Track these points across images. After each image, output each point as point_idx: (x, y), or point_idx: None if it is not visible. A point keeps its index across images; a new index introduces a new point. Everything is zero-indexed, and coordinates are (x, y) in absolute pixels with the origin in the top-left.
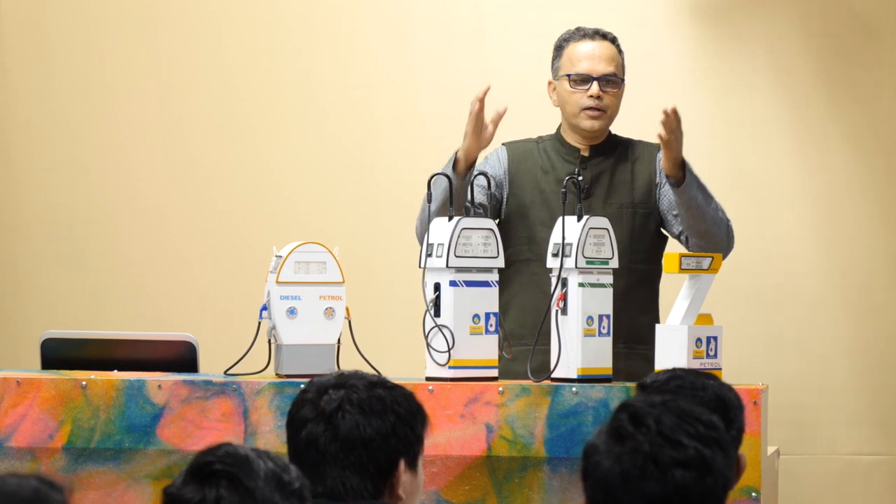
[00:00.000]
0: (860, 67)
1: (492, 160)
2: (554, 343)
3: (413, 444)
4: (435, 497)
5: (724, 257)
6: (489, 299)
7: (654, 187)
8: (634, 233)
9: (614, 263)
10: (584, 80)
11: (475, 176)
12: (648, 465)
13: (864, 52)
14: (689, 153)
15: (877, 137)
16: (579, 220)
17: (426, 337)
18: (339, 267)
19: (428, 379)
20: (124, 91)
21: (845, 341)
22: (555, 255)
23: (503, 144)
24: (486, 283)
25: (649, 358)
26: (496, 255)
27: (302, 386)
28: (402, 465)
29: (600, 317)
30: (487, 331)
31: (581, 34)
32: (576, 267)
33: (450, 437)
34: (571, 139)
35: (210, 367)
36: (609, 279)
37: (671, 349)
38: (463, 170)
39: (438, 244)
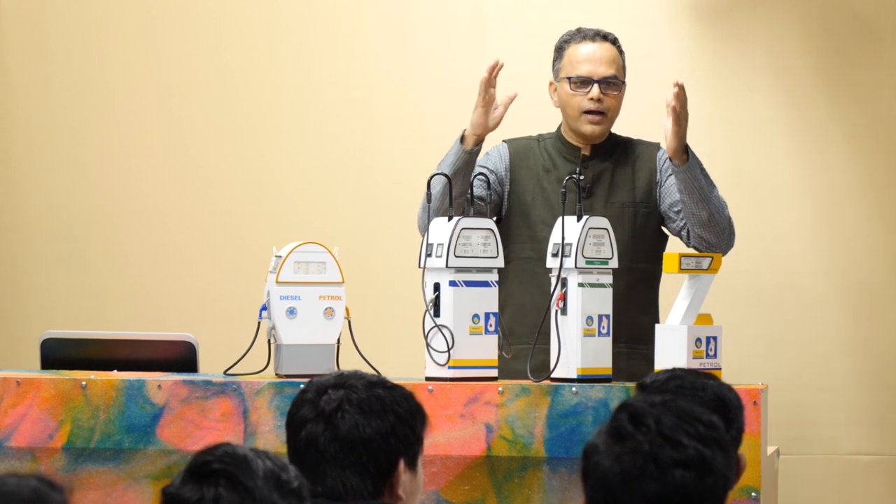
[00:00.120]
0: (860, 67)
1: (493, 156)
2: (553, 343)
3: (413, 443)
4: (435, 497)
5: (723, 255)
6: (489, 299)
7: (655, 186)
8: (636, 232)
9: (614, 263)
10: (585, 82)
11: (475, 176)
12: (648, 464)
13: (864, 52)
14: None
15: (877, 137)
16: (579, 219)
17: (426, 337)
18: (338, 267)
19: (428, 379)
20: (124, 91)
21: (845, 341)
22: (554, 255)
23: (504, 141)
24: (485, 283)
25: (650, 358)
26: (496, 254)
27: (301, 386)
28: (401, 464)
29: (600, 317)
30: (487, 331)
31: (582, 36)
32: (575, 267)
33: (449, 437)
34: (572, 139)
35: (210, 367)
36: (609, 279)
37: (671, 349)
38: (471, 144)
39: (438, 244)
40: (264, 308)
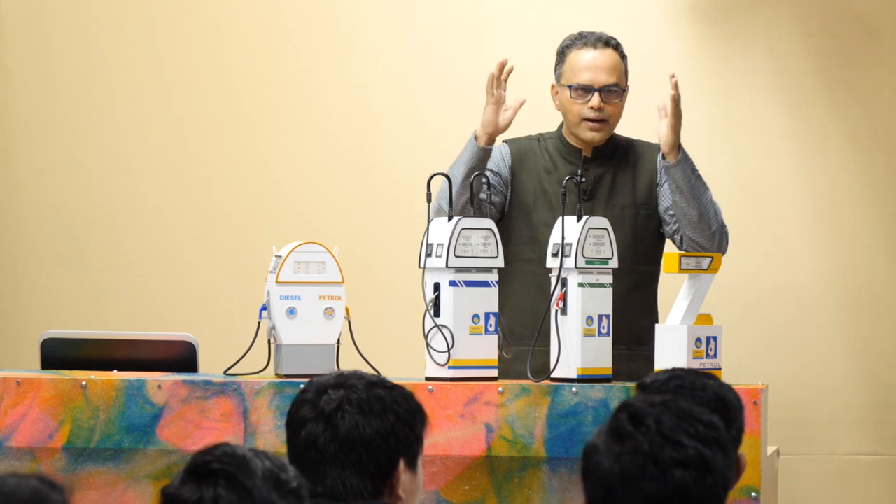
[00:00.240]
0: (860, 67)
1: (495, 157)
2: (553, 343)
3: (413, 443)
4: (435, 497)
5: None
6: (489, 299)
7: (655, 187)
8: (637, 234)
9: (614, 263)
10: (586, 90)
11: (474, 176)
12: (648, 464)
13: (864, 52)
14: (689, 153)
15: (877, 137)
16: (579, 220)
17: (426, 337)
18: (338, 267)
19: (428, 379)
20: (124, 91)
21: (845, 341)
22: (554, 255)
23: (504, 141)
24: (485, 283)
25: (651, 359)
26: (496, 255)
27: (301, 386)
28: (401, 464)
29: (600, 317)
30: (487, 331)
31: (583, 41)
32: (575, 267)
33: (449, 436)
34: (573, 140)
35: (210, 367)
36: (609, 279)
37: (671, 349)
38: (485, 143)
39: (438, 244)
40: (264, 308)
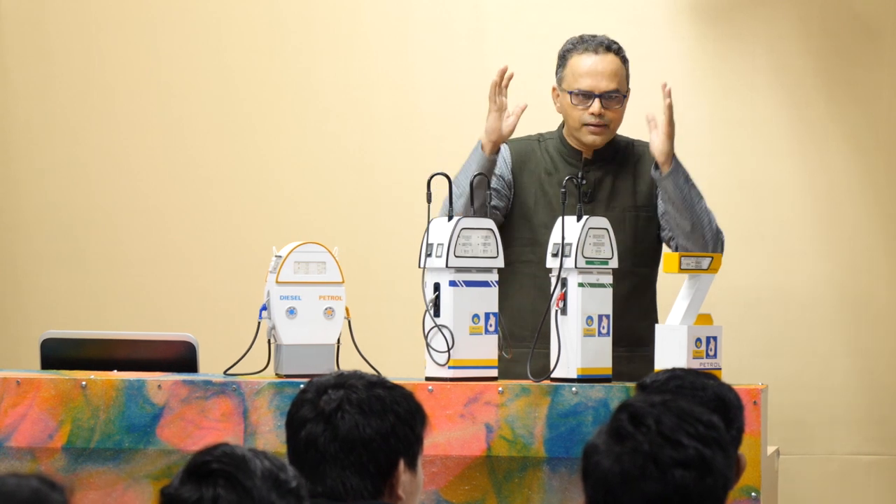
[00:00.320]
0: (860, 67)
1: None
2: (553, 343)
3: (413, 443)
4: (435, 497)
5: None
6: (489, 299)
7: (655, 189)
8: (637, 237)
9: (614, 263)
10: (586, 96)
11: (475, 176)
12: (648, 464)
13: (864, 52)
14: (689, 153)
15: (877, 137)
16: (579, 220)
17: (426, 337)
18: (338, 267)
19: (428, 379)
20: (124, 91)
21: (845, 341)
22: (554, 255)
23: (505, 142)
24: (485, 283)
25: (651, 360)
26: (496, 255)
27: (301, 386)
28: (401, 464)
29: (600, 317)
30: (487, 331)
31: (584, 46)
32: (575, 267)
33: (449, 436)
34: (574, 142)
35: (210, 367)
36: (609, 279)
37: (671, 349)
38: (490, 151)
39: (438, 244)
40: (264, 308)
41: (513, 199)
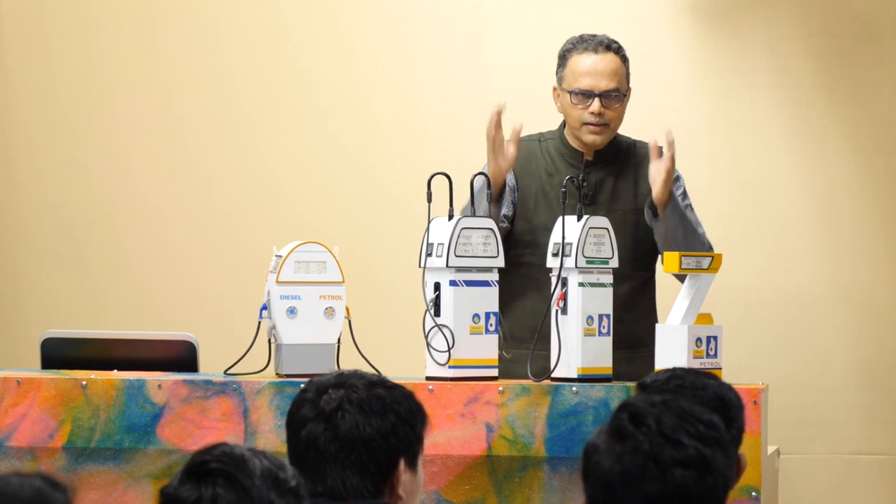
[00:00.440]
0: (860, 67)
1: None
2: (554, 343)
3: (413, 443)
4: (435, 496)
5: None
6: (489, 299)
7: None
8: (637, 240)
9: (614, 263)
10: (586, 95)
11: (476, 175)
12: (649, 464)
13: (864, 52)
14: (689, 153)
15: (877, 137)
16: (579, 219)
17: (426, 336)
18: (339, 266)
19: (428, 378)
20: (124, 91)
21: (845, 341)
22: (555, 254)
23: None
24: (486, 283)
25: (650, 360)
26: (496, 254)
27: (302, 385)
28: (402, 464)
29: (600, 316)
30: (487, 330)
31: (584, 45)
32: (576, 266)
33: (450, 436)
34: (575, 143)
35: (210, 366)
36: (609, 279)
37: (671, 349)
38: (495, 195)
39: (438, 244)
40: (264, 308)
41: (516, 201)
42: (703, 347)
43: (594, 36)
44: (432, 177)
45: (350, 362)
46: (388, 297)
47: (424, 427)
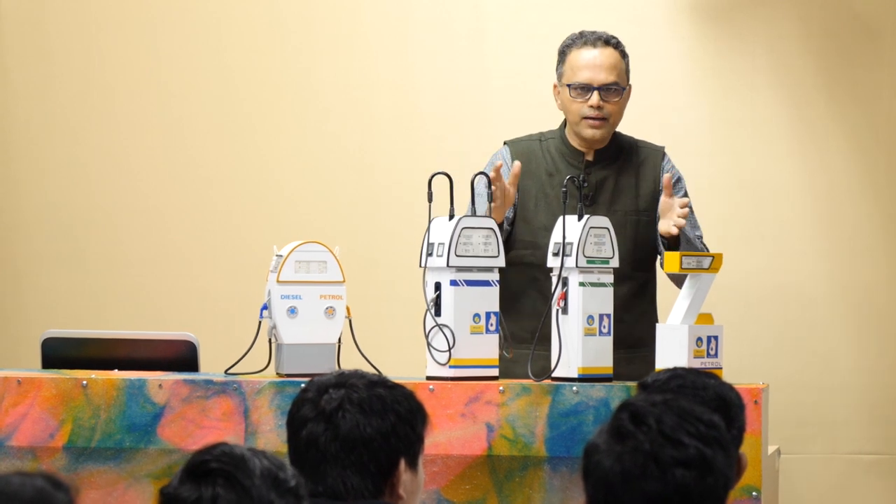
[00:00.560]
0: (860, 67)
1: (496, 162)
2: (554, 342)
3: (413, 443)
4: (436, 496)
5: None
6: (490, 299)
7: (658, 193)
8: (637, 241)
9: (615, 263)
10: (585, 89)
11: (476, 175)
12: (649, 464)
13: (864, 52)
14: (689, 153)
15: (877, 137)
16: (580, 219)
17: (427, 336)
18: (339, 266)
19: (428, 378)
20: (124, 91)
21: (845, 341)
22: (555, 254)
23: (505, 143)
24: (486, 283)
25: (650, 360)
26: (497, 254)
27: (302, 385)
28: (402, 464)
29: (601, 316)
30: (488, 330)
31: (583, 41)
32: (576, 266)
33: (450, 436)
34: (575, 142)
35: (210, 366)
36: (609, 278)
37: (672, 348)
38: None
39: (439, 243)
40: (265, 307)
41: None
42: (704, 347)
43: (593, 32)
44: (433, 177)
45: (350, 362)
46: (388, 297)
47: (425, 427)
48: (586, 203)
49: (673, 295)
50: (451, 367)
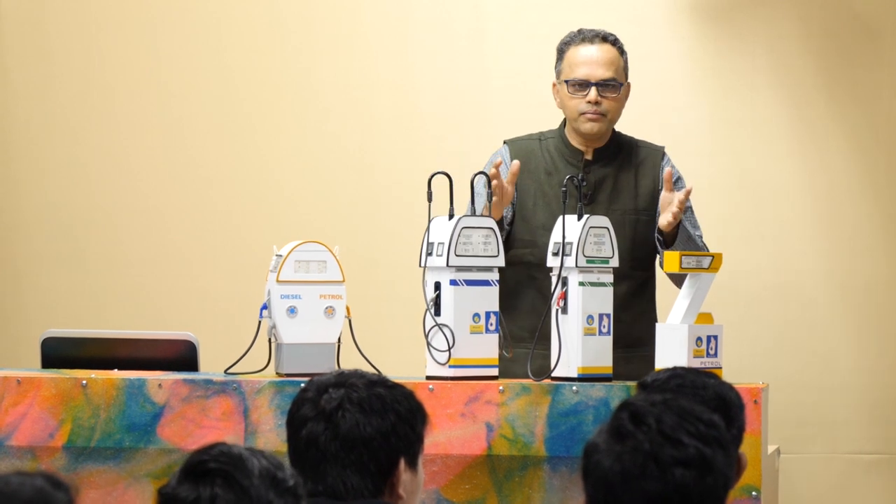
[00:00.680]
0: (860, 67)
1: (495, 160)
2: (554, 342)
3: (413, 442)
4: (435, 496)
5: None
6: (489, 298)
7: (657, 192)
8: (636, 240)
9: (614, 262)
10: (583, 85)
11: (476, 175)
12: (649, 463)
13: (864, 52)
14: (689, 153)
15: (877, 137)
16: (580, 218)
17: (426, 336)
18: (339, 266)
19: (428, 378)
20: (124, 91)
21: (845, 341)
22: (555, 253)
23: (505, 142)
24: (486, 282)
25: (649, 359)
26: (496, 254)
27: (302, 385)
28: (402, 463)
29: (600, 316)
30: (488, 330)
31: (581, 37)
32: (576, 266)
33: (450, 435)
34: (575, 141)
35: (210, 366)
36: (609, 278)
37: (671, 348)
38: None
39: (439, 243)
40: (265, 307)
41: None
42: (704, 347)
43: (591, 29)
44: (432, 176)
45: (350, 362)
46: (388, 297)
47: (425, 426)
48: (585, 202)
49: (672, 294)
50: (450, 366)
